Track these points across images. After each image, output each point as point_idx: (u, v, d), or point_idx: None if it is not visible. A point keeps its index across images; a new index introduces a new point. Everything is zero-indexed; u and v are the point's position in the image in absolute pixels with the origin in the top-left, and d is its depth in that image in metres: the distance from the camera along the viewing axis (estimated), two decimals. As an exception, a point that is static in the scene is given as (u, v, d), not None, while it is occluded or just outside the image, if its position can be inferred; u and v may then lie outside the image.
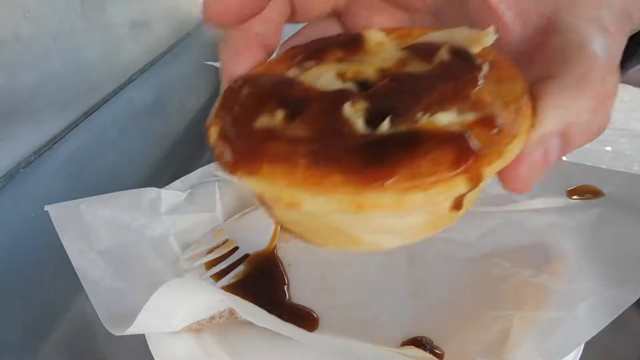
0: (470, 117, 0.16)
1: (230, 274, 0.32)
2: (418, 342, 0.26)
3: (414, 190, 0.14)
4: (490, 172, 0.15)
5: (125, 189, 0.44)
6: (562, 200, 0.34)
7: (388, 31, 0.21)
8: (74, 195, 0.41)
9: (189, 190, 0.36)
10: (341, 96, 0.16)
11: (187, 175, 0.37)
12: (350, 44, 0.20)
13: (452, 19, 0.23)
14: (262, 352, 0.26)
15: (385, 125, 0.15)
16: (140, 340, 0.26)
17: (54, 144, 0.45)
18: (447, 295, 0.29)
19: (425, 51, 0.18)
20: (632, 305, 0.24)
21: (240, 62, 0.20)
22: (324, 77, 0.18)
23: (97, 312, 0.25)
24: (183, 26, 0.75)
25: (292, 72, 0.20)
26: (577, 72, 0.21)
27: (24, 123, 0.42)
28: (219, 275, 0.31)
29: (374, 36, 0.20)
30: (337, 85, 0.18)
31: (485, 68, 0.17)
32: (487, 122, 0.15)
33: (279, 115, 0.16)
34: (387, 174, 0.14)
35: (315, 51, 0.20)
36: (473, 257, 0.32)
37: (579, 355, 0.24)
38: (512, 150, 0.16)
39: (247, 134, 0.16)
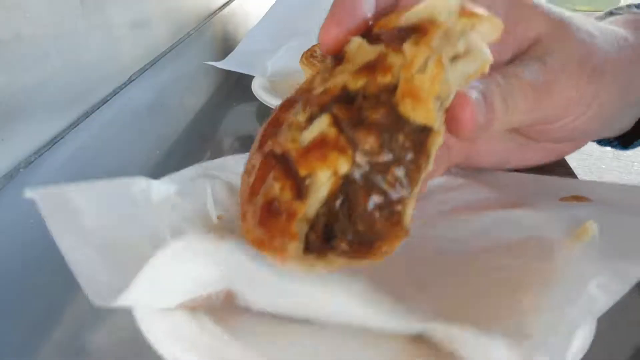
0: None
1: None
2: (430, 337, 0.25)
3: None
4: None
5: (126, 189, 0.44)
6: (554, 203, 0.34)
7: (375, 22, 0.26)
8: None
9: (179, 186, 0.35)
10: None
11: (176, 172, 0.36)
12: (336, 63, 0.25)
13: None
14: (263, 334, 0.25)
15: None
16: (140, 341, 0.26)
17: (54, 144, 0.45)
18: (449, 285, 0.29)
19: (394, 42, 0.23)
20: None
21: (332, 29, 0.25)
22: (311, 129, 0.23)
23: (80, 283, 0.24)
24: (183, 26, 0.75)
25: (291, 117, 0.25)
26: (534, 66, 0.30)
27: (24, 123, 0.42)
28: None
29: (353, 43, 0.25)
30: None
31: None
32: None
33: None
34: None
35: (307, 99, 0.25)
36: (472, 252, 0.31)
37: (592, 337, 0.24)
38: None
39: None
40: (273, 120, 0.26)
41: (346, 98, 0.23)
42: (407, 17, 0.24)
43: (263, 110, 0.61)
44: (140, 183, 0.33)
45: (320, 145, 0.22)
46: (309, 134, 0.23)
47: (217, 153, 0.54)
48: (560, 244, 0.29)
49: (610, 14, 0.40)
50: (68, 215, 0.28)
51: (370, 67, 0.23)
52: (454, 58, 0.23)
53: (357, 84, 0.23)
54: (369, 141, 0.21)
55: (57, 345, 0.25)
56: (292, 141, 0.23)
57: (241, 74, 0.67)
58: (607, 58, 0.31)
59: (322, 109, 0.23)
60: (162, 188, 0.34)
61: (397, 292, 0.29)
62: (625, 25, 0.34)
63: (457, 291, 0.28)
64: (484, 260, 0.30)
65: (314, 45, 0.66)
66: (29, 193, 0.27)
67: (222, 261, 0.24)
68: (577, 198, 0.34)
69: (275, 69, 0.67)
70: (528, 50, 0.31)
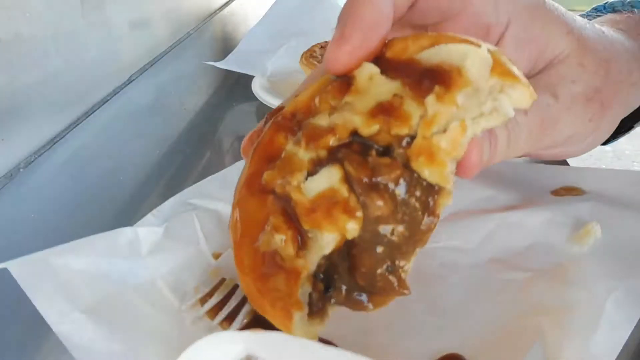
0: None
1: (239, 315, 0.29)
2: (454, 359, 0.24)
3: None
4: None
5: (125, 188, 0.44)
6: (550, 199, 0.34)
7: (389, 44, 0.23)
8: (74, 196, 0.41)
9: (165, 225, 0.33)
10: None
11: (159, 207, 0.34)
12: (342, 86, 0.22)
13: None
14: None
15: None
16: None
17: (54, 144, 0.45)
18: (465, 307, 0.28)
19: (414, 84, 0.21)
20: None
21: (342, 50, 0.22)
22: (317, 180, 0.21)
23: (74, 355, 0.23)
24: (183, 26, 0.76)
25: (289, 147, 0.23)
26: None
27: (24, 123, 0.42)
28: (228, 321, 0.28)
29: (365, 70, 0.22)
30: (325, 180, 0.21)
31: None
32: None
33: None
34: None
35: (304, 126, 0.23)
36: (479, 264, 0.30)
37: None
38: None
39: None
40: (266, 141, 0.24)
41: (357, 146, 0.21)
42: (430, 55, 0.21)
43: (263, 110, 0.62)
44: (126, 234, 0.31)
45: (328, 201, 0.21)
46: (316, 185, 0.21)
47: (217, 153, 0.54)
48: (566, 249, 0.29)
49: (614, 10, 0.39)
50: (56, 291, 0.26)
51: (385, 111, 0.21)
52: (476, 117, 0.21)
53: (370, 129, 0.21)
54: (382, 207, 0.20)
55: (57, 345, 0.25)
56: (297, 189, 0.21)
57: (241, 74, 0.67)
58: (615, 91, 0.30)
59: (330, 155, 0.21)
60: (150, 233, 0.32)
61: (413, 318, 0.27)
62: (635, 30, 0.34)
63: (474, 315, 0.27)
64: (494, 272, 0.30)
65: (313, 45, 0.66)
66: (3, 265, 0.24)
67: (240, 335, 0.22)
68: (570, 190, 0.34)
69: (275, 68, 0.67)
70: (542, 72, 0.29)
